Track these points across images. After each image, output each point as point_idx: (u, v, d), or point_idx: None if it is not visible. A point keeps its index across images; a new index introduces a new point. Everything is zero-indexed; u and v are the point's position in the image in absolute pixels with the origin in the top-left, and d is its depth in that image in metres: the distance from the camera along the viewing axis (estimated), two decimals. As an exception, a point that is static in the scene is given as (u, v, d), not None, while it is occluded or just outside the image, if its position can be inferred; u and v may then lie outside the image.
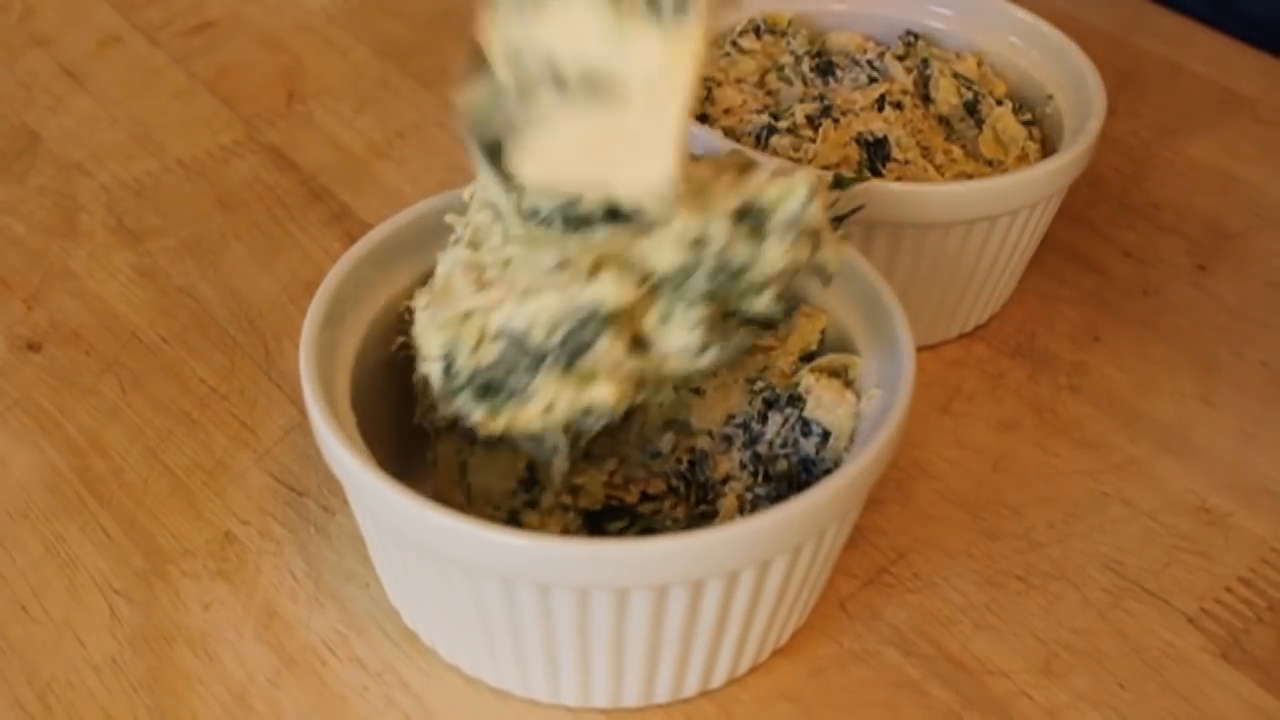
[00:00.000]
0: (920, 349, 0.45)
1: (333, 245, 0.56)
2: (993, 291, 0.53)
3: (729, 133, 0.52)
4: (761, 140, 0.52)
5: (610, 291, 0.37)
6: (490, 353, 0.38)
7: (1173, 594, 0.44)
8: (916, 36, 0.57)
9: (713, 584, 0.37)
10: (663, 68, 0.36)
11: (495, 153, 0.39)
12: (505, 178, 0.39)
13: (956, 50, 0.57)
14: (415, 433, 0.42)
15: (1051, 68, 0.55)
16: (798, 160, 0.50)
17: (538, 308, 0.37)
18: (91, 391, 0.50)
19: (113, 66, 0.67)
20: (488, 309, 0.38)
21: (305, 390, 0.39)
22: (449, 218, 0.42)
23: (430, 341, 0.39)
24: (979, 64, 0.56)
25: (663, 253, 0.38)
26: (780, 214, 0.38)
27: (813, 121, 0.52)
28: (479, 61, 0.38)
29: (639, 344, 0.38)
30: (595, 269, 0.38)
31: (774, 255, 0.38)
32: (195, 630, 0.42)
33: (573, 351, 0.37)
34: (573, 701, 0.40)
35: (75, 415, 0.49)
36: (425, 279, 0.44)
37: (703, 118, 0.53)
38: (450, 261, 0.41)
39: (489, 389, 0.38)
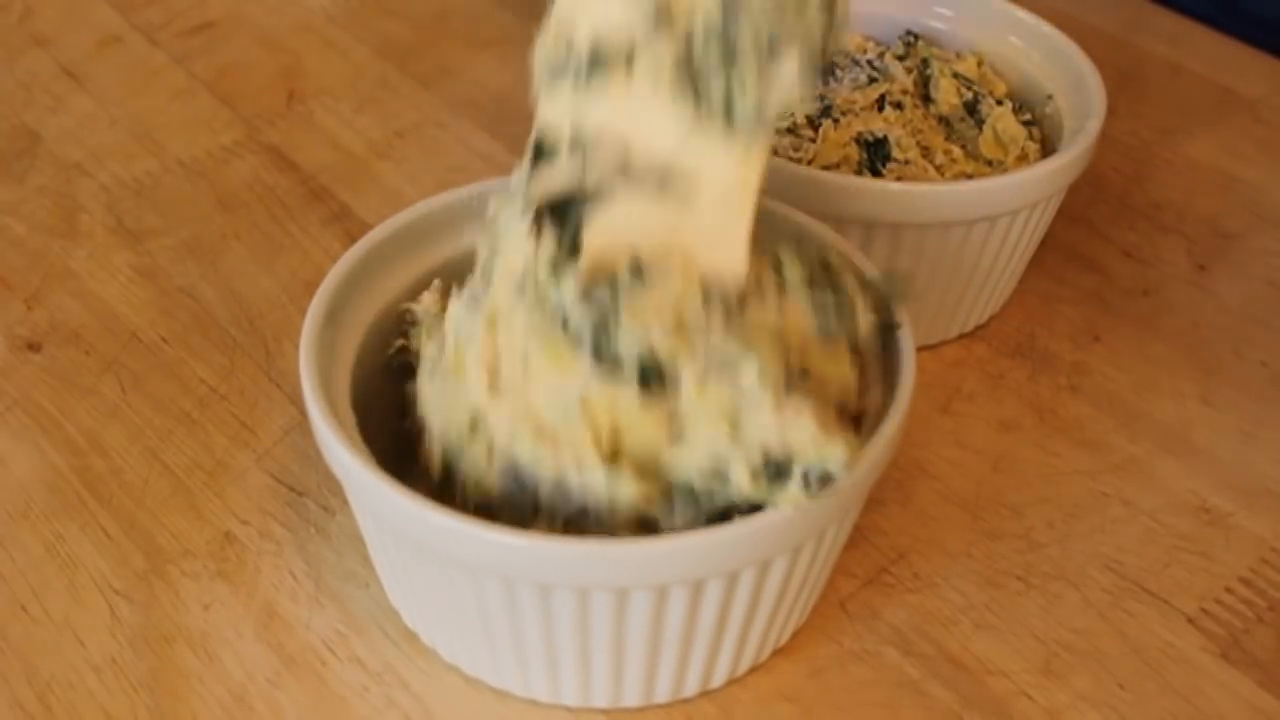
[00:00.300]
0: (920, 349, 0.45)
1: (333, 245, 0.56)
2: (993, 291, 0.53)
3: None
4: (761, 140, 0.52)
5: (627, 493, 0.37)
6: (492, 481, 0.38)
7: (1173, 594, 0.44)
8: (916, 36, 0.57)
9: (713, 584, 0.37)
10: (734, 175, 0.38)
11: (558, 212, 0.39)
12: (566, 246, 0.39)
13: (956, 50, 0.57)
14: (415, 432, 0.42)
15: (1051, 68, 0.55)
16: (798, 160, 0.51)
17: (548, 456, 0.37)
18: (91, 391, 0.50)
19: (113, 66, 0.67)
20: (496, 425, 0.38)
21: (305, 390, 0.39)
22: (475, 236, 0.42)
23: (432, 416, 0.39)
24: (979, 64, 0.56)
25: (683, 466, 0.37)
26: (808, 468, 0.37)
27: (813, 121, 0.52)
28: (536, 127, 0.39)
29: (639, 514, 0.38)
30: (615, 453, 0.37)
31: (791, 497, 0.37)
32: (195, 630, 0.42)
33: (573, 517, 0.37)
34: (573, 701, 0.40)
35: (75, 415, 0.49)
36: (425, 279, 0.44)
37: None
38: (465, 329, 0.39)
39: (481, 511, 0.38)
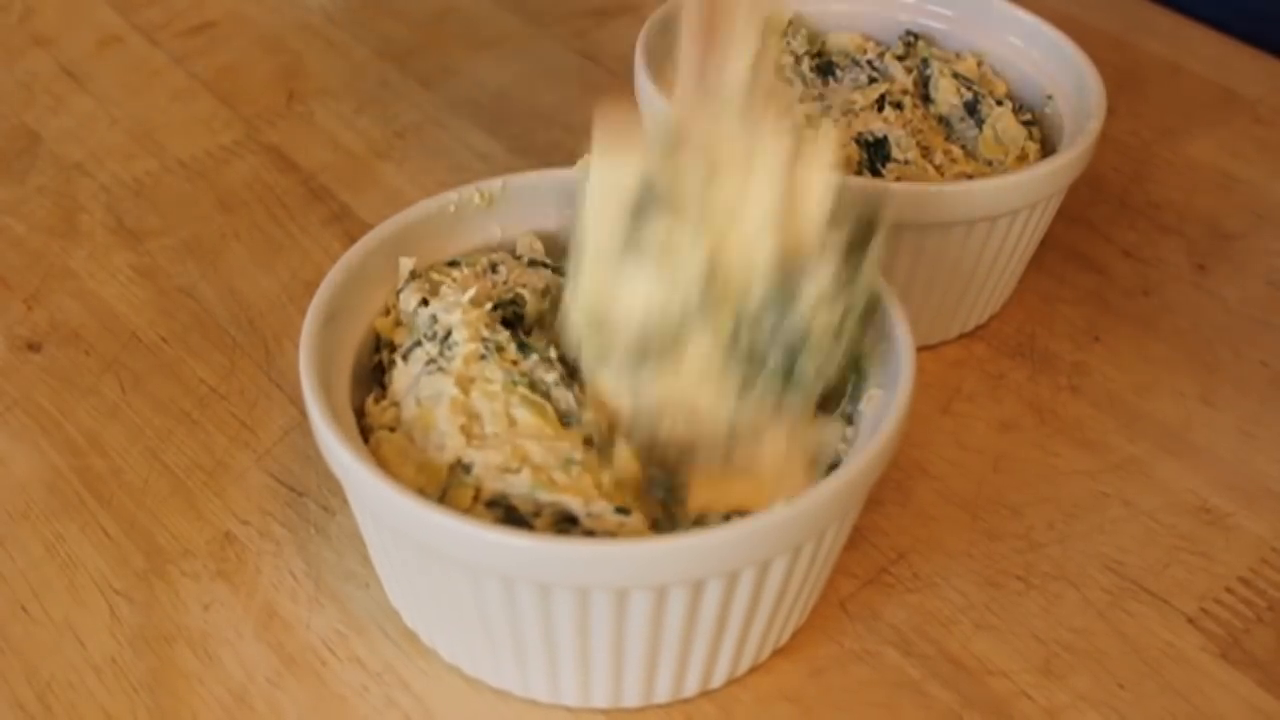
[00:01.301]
0: (920, 349, 0.45)
1: (333, 245, 0.56)
2: (993, 291, 0.53)
3: (729, 133, 0.52)
4: (761, 140, 0.52)
5: (635, 524, 0.38)
6: (479, 516, 0.38)
7: (1173, 594, 0.44)
8: (916, 36, 0.57)
9: (713, 584, 0.37)
10: (788, 450, 0.40)
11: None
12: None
13: (956, 50, 0.57)
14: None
15: (1051, 68, 0.55)
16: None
17: (555, 499, 0.37)
18: (91, 391, 0.50)
19: (113, 66, 0.67)
20: (484, 473, 0.38)
21: (305, 390, 0.39)
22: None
23: (402, 473, 0.39)
24: (979, 64, 0.56)
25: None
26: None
27: (813, 122, 0.52)
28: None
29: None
30: (620, 497, 0.38)
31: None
32: (195, 630, 0.42)
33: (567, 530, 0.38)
34: (573, 702, 0.40)
35: (75, 415, 0.49)
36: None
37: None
38: (428, 392, 0.40)
39: None
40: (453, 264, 0.45)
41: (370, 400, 0.41)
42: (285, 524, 0.46)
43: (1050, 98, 0.55)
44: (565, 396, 0.40)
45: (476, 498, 0.38)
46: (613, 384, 0.40)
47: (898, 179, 0.50)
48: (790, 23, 0.58)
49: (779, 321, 0.39)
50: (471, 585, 0.37)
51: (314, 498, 0.46)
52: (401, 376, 0.41)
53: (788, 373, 0.39)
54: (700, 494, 0.40)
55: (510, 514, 0.38)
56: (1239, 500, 0.48)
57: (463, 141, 0.62)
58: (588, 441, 0.40)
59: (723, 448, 0.40)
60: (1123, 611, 0.44)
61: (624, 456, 0.40)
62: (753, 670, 0.42)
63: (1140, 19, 0.72)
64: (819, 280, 0.39)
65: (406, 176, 0.60)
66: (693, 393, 0.39)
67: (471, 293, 0.42)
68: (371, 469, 0.37)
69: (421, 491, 0.38)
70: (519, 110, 0.64)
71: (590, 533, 0.37)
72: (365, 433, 0.40)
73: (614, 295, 0.39)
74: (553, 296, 0.43)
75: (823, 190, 0.39)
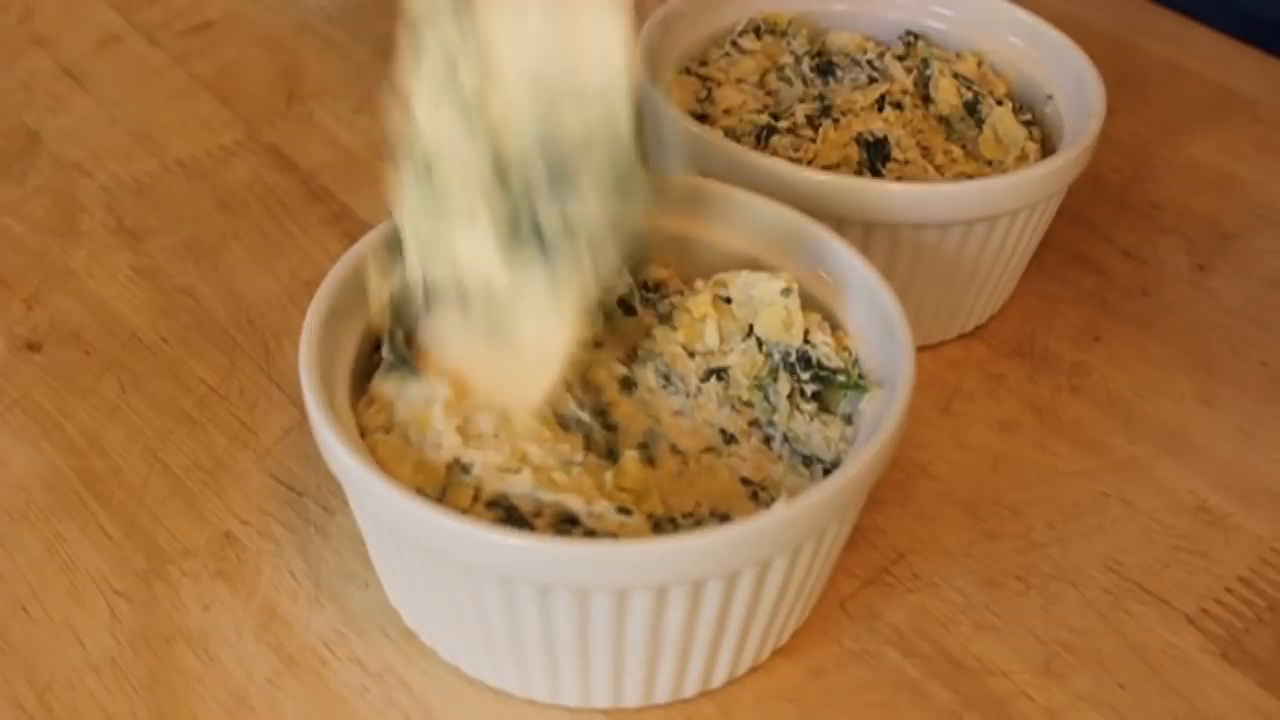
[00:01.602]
0: (920, 349, 0.45)
1: (333, 245, 0.56)
2: (993, 291, 0.53)
3: (729, 133, 0.52)
4: (761, 140, 0.52)
5: (636, 524, 0.38)
6: (479, 515, 0.38)
7: (1173, 594, 0.44)
8: (916, 36, 0.57)
9: (713, 584, 0.37)
10: (549, 301, 0.39)
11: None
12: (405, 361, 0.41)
13: (956, 50, 0.57)
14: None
15: (1051, 68, 0.55)
16: (798, 160, 0.50)
17: (556, 499, 0.38)
18: (91, 391, 0.50)
19: (113, 66, 0.67)
20: (484, 473, 0.38)
21: (305, 390, 0.39)
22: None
23: (400, 473, 0.39)
24: (979, 64, 0.56)
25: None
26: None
27: (813, 121, 0.52)
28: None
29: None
30: (620, 496, 0.39)
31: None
32: (195, 630, 0.42)
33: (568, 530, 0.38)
34: (572, 702, 0.40)
35: (75, 415, 0.49)
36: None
37: (703, 117, 0.53)
38: (420, 395, 0.40)
39: None
40: None
41: (363, 403, 0.41)
42: (285, 524, 0.46)
43: (1050, 98, 0.55)
44: (562, 397, 0.40)
45: (476, 498, 0.38)
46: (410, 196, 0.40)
47: (898, 179, 0.50)
48: (790, 23, 0.58)
49: (550, 169, 0.38)
50: (471, 586, 0.37)
51: (314, 498, 0.46)
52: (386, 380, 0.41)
53: (565, 227, 0.39)
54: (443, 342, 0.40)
55: (511, 514, 0.38)
56: (1238, 500, 0.48)
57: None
58: (587, 446, 0.40)
59: (484, 297, 0.39)
60: (1123, 611, 0.44)
61: (629, 459, 0.40)
62: (753, 670, 0.42)
63: (1140, 19, 0.72)
64: (602, 139, 0.38)
65: (406, 176, 0.60)
66: (464, 229, 0.39)
67: None
68: (371, 469, 0.37)
69: (420, 491, 0.38)
70: (519, 110, 0.64)
71: (591, 533, 0.37)
72: (360, 432, 0.40)
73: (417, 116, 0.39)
74: None
75: (611, 51, 0.38)
